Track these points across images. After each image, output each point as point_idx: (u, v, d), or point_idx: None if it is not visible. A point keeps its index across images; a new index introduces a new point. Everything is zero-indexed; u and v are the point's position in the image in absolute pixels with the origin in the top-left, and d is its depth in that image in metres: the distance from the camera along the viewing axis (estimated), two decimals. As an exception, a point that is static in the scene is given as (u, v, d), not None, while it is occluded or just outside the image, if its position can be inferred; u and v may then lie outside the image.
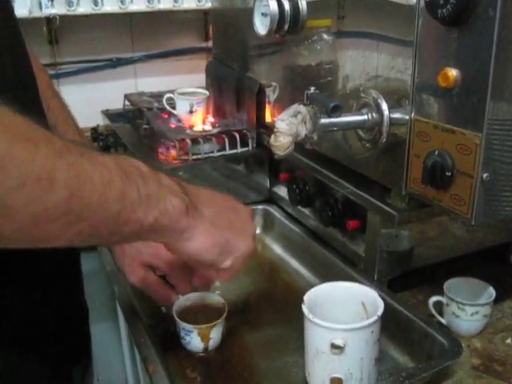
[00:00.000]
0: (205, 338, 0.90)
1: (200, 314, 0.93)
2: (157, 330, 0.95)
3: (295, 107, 0.86)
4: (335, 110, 0.83)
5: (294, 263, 1.19)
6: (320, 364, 0.78)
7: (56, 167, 0.47)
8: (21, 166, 0.44)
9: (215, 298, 0.96)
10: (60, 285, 0.78)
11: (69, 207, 0.48)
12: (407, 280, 1.06)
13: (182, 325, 0.90)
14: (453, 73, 0.73)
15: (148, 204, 0.56)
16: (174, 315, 0.92)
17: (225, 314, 0.92)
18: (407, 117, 0.84)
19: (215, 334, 0.91)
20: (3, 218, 0.45)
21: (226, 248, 0.68)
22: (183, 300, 0.94)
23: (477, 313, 0.92)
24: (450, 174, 0.77)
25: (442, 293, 0.95)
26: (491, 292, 0.95)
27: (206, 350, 0.91)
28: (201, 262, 0.68)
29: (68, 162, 0.48)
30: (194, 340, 0.90)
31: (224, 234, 0.68)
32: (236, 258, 0.69)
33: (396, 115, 0.87)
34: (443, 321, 0.96)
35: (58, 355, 0.78)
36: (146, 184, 0.56)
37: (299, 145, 0.90)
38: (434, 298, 0.96)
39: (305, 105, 0.86)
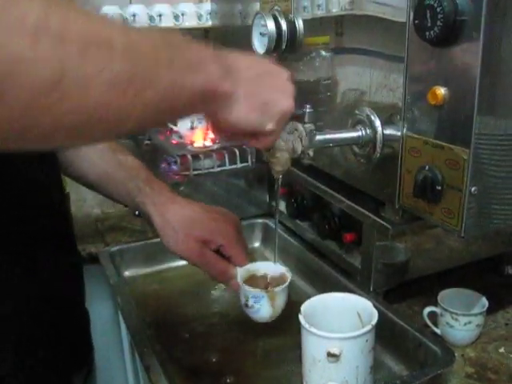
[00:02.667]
0: (274, 302, 0.90)
1: (262, 283, 0.93)
2: (159, 339, 0.98)
3: (291, 124, 0.89)
4: None
5: (293, 275, 1.21)
6: (317, 372, 0.81)
7: (112, 34, 0.47)
8: (80, 34, 0.43)
9: (273, 266, 0.96)
10: (62, 294, 0.81)
11: (133, 73, 0.48)
12: (403, 291, 1.08)
13: (252, 292, 0.89)
14: (441, 91, 0.76)
15: (195, 69, 0.56)
16: (242, 284, 0.90)
17: (289, 279, 0.92)
18: (399, 133, 0.87)
19: (283, 299, 0.91)
20: (81, 87, 0.43)
21: (266, 110, 0.67)
22: (244, 271, 0.93)
23: (470, 322, 0.95)
24: (440, 188, 0.79)
25: (436, 303, 0.98)
26: (484, 302, 0.97)
27: (273, 315, 0.91)
28: (245, 129, 0.67)
29: (120, 30, 0.48)
30: (263, 306, 0.89)
31: (263, 96, 0.66)
32: (278, 119, 0.68)
33: (389, 131, 0.90)
34: (438, 331, 0.98)
35: (58, 363, 0.80)
36: (189, 50, 0.57)
37: (297, 160, 0.92)
38: (428, 309, 0.99)
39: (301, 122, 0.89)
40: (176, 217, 0.90)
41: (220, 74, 0.59)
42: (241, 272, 0.92)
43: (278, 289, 0.90)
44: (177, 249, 0.89)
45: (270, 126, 0.68)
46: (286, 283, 0.91)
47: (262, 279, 0.94)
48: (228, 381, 0.90)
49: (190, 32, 2.01)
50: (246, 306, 0.90)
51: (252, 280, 0.93)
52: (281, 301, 0.91)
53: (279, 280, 0.93)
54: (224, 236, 0.89)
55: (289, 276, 0.92)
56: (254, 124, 0.66)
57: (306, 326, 0.79)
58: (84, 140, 0.53)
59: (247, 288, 0.89)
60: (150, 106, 0.51)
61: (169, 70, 0.52)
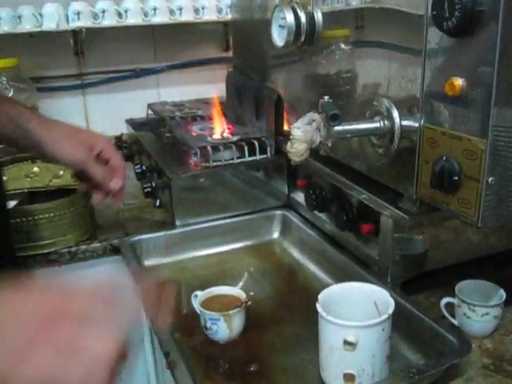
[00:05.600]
0: (230, 324, 0.95)
1: (220, 306, 0.98)
2: (178, 327, 0.99)
3: (310, 115, 0.90)
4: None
5: (311, 266, 1.23)
6: (334, 360, 0.82)
7: None
8: None
9: (233, 290, 1.02)
10: None
11: None
12: (420, 282, 1.09)
13: (209, 314, 0.95)
14: (459, 82, 0.77)
15: None
16: (199, 307, 0.97)
17: (245, 300, 0.98)
18: (417, 124, 0.87)
19: (239, 320, 0.97)
20: None
21: None
22: (204, 294, 1.00)
23: (487, 314, 0.95)
24: (457, 178, 0.80)
25: (454, 295, 0.98)
26: (501, 294, 0.97)
27: (231, 337, 0.96)
28: None
29: None
30: (220, 328, 0.95)
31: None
32: None
33: (406, 122, 0.90)
34: (455, 322, 0.98)
35: None
36: None
37: (315, 152, 0.93)
38: (445, 300, 0.99)
39: (319, 113, 0.90)
40: (62, 130, 1.02)
41: None
42: (200, 296, 1.00)
43: (233, 311, 0.95)
44: (67, 156, 1.00)
45: None
46: (242, 306, 0.97)
47: (220, 302, 1.00)
48: (246, 367, 0.91)
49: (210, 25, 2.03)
50: (205, 328, 0.97)
51: (212, 303, 0.99)
52: (238, 323, 0.97)
53: (237, 303, 0.98)
54: (104, 141, 1.06)
55: (244, 299, 0.99)
56: None
57: (324, 314, 0.80)
58: None
59: (204, 311, 0.96)
60: None
61: None
